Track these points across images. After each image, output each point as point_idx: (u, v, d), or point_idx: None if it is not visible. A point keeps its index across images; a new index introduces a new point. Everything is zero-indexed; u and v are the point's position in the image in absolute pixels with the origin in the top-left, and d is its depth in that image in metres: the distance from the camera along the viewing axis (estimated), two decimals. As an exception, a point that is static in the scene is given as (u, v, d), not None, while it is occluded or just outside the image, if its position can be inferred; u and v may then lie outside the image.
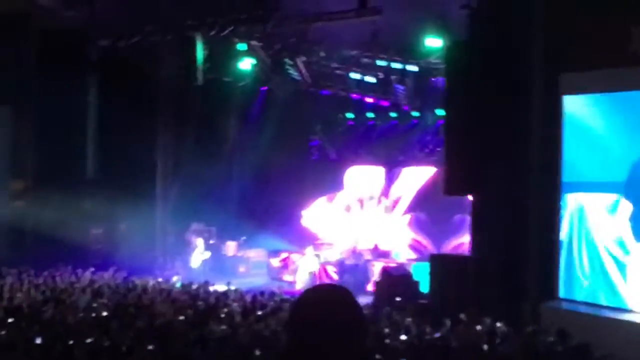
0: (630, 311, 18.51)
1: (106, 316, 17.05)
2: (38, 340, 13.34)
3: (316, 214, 34.44)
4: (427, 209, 31.56)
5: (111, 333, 14.39)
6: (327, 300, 3.24)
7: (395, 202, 33.04)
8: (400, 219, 32.64)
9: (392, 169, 33.44)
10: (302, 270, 29.49)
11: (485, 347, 14.67)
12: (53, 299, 19.92)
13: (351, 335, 3.15)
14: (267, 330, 15.43)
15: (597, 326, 17.58)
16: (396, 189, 33.16)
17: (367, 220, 33.42)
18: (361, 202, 33.86)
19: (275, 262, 31.74)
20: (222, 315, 18.04)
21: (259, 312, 18.74)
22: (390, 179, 33.44)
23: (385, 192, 33.39)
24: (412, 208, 32.54)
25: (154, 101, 31.27)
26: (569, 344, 14.26)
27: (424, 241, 31.38)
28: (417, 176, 32.50)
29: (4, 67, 30.13)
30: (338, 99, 33.66)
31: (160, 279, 26.36)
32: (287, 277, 30.59)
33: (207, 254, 31.09)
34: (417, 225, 32.14)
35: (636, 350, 15.69)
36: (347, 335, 3.14)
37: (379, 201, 33.48)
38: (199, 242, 31.09)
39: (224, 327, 15.80)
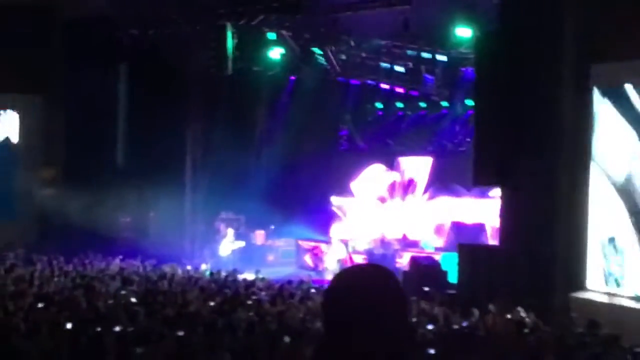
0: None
1: (135, 303, 17.12)
2: (68, 326, 13.43)
3: (348, 201, 34.32)
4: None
5: (140, 320, 14.46)
6: (364, 276, 3.12)
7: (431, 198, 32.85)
8: (427, 205, 32.43)
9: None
10: (331, 259, 29.55)
11: (514, 337, 14.65)
12: (83, 286, 20.04)
13: (392, 310, 3.02)
14: (295, 318, 15.46)
15: (626, 317, 17.53)
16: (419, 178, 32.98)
17: (395, 209, 33.31)
18: (390, 192, 33.74)
19: (304, 250, 31.81)
20: (250, 303, 18.09)
21: (288, 300, 18.78)
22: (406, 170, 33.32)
23: (428, 185, 33.14)
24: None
25: (183, 90, 31.35)
26: (599, 334, 14.22)
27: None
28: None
29: (35, 57, 30.33)
30: (367, 88, 33.59)
31: (189, 267, 26.44)
32: (315, 266, 30.65)
33: (240, 243, 31.15)
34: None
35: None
36: (388, 310, 3.01)
37: (410, 190, 33.34)
38: (229, 231, 31.16)
39: (251, 314, 15.84)
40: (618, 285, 19.61)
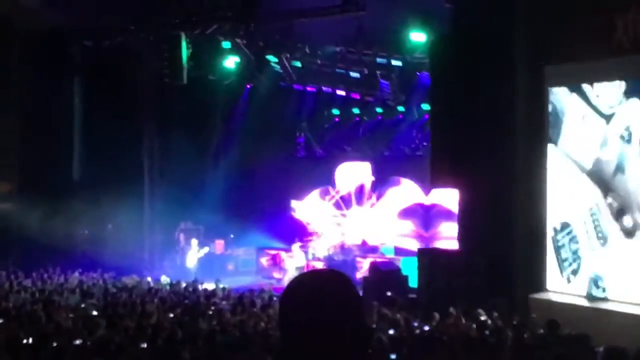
0: (613, 301, 18.63)
1: (95, 316, 17.02)
2: (27, 341, 13.32)
3: (307, 207, 34.38)
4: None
5: (100, 332, 14.38)
6: (319, 280, 3.08)
7: (379, 197, 32.98)
8: (387, 212, 32.54)
9: (378, 165, 33.36)
10: (290, 267, 29.55)
11: (475, 339, 14.70)
12: (42, 300, 19.90)
13: (348, 314, 2.97)
14: (257, 327, 15.43)
15: (585, 316, 17.66)
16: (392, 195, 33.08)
17: (355, 215, 33.39)
18: (349, 197, 33.79)
19: (264, 259, 31.80)
20: (211, 313, 18.05)
21: (249, 309, 18.75)
22: (376, 175, 33.37)
23: (372, 188, 33.31)
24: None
25: (139, 101, 31.27)
26: (559, 334, 14.30)
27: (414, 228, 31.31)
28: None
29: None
30: (323, 95, 33.66)
31: (148, 278, 26.35)
32: (275, 274, 30.65)
33: (204, 250, 31.04)
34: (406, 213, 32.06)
35: (624, 340, 15.73)
36: (344, 314, 2.96)
37: (367, 197, 33.43)
38: (193, 242, 31.05)
39: (213, 324, 15.80)
40: (575, 274, 19.78)
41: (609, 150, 18.95)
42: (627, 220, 18.59)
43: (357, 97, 32.80)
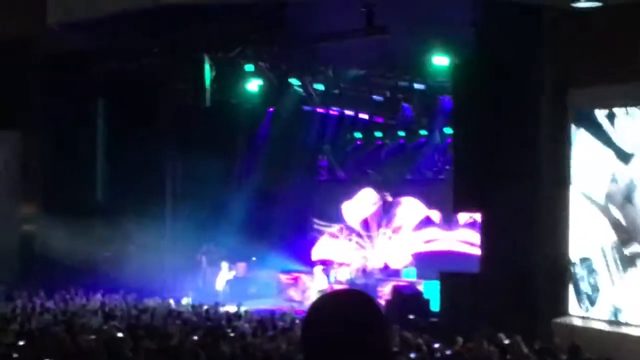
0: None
1: (118, 338, 17.03)
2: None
3: (325, 245, 34.37)
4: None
5: (123, 354, 14.39)
6: (342, 301, 3.09)
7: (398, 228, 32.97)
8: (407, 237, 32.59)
9: (396, 195, 33.33)
10: (312, 290, 29.50)
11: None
12: (64, 322, 19.93)
13: (372, 334, 2.97)
14: (279, 350, 15.41)
15: (609, 342, 17.58)
16: (399, 217, 33.08)
17: (375, 239, 33.37)
18: (366, 224, 33.75)
19: (286, 282, 31.76)
20: (232, 335, 18.04)
21: (270, 332, 18.73)
22: (393, 205, 33.33)
23: (389, 218, 33.33)
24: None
25: (162, 123, 31.34)
26: (582, 358, 14.24)
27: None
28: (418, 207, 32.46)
29: (13, 91, 30.23)
30: (346, 118, 33.70)
31: (170, 300, 26.36)
32: (297, 297, 30.60)
33: (233, 272, 31.11)
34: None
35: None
36: (367, 334, 2.96)
37: (381, 222, 33.40)
38: (224, 265, 31.09)
39: (235, 346, 15.79)
40: (592, 304, 19.70)
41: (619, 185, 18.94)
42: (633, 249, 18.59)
43: (380, 120, 32.81)
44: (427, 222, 32.03)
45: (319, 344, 2.98)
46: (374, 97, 30.96)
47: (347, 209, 34.17)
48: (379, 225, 33.50)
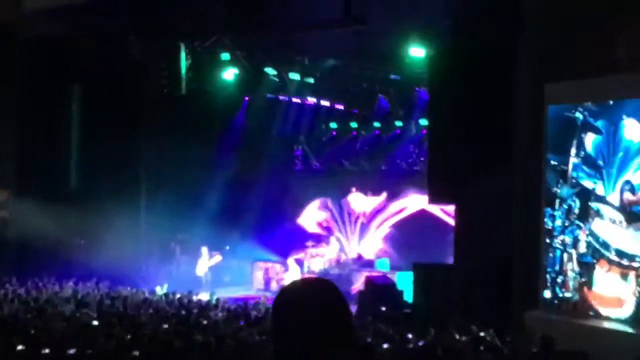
0: (609, 318, 18.67)
1: (90, 325, 16.98)
2: (19, 347, 13.27)
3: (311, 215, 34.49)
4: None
5: (95, 342, 14.34)
6: (309, 287, 3.20)
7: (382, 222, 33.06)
8: (376, 233, 32.77)
9: (375, 179, 33.41)
10: (286, 280, 29.51)
11: (471, 355, 14.68)
12: (36, 309, 19.86)
13: (336, 321, 3.07)
14: (252, 339, 15.40)
15: (581, 334, 17.66)
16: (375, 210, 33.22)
17: (350, 232, 33.46)
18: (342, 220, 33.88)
19: (259, 271, 31.75)
20: (205, 323, 18.03)
21: (243, 321, 18.73)
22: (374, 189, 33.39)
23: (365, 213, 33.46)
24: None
25: (137, 111, 31.20)
26: (553, 350, 14.29)
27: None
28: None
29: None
30: (322, 108, 33.71)
31: (144, 289, 26.32)
32: (271, 287, 30.60)
33: (217, 259, 31.04)
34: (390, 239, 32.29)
35: (615, 357, 15.76)
36: (332, 321, 3.06)
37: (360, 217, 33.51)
38: (204, 250, 31.00)
39: (208, 335, 15.77)
40: (564, 297, 19.81)
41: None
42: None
43: (355, 111, 32.84)
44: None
45: (285, 330, 3.09)
46: (350, 87, 30.96)
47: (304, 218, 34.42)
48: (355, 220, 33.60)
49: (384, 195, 32.97)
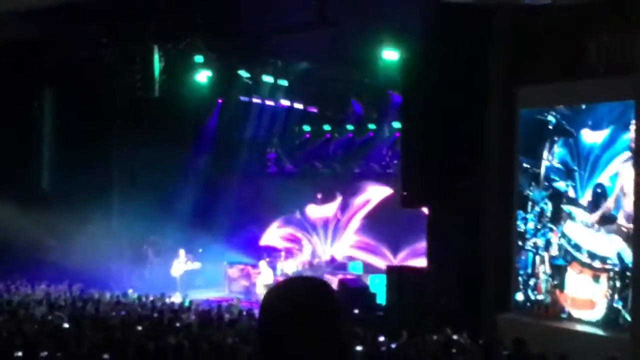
0: (581, 321, 18.80)
1: (62, 328, 16.94)
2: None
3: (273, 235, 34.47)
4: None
5: (67, 345, 14.30)
6: (299, 287, 3.08)
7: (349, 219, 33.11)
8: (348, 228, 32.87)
9: (349, 182, 33.43)
10: (258, 283, 29.51)
11: (442, 358, 14.74)
12: (8, 312, 19.78)
13: (326, 322, 2.97)
14: (226, 342, 15.40)
15: (552, 336, 17.78)
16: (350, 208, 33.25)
17: (322, 235, 33.48)
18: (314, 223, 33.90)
19: (232, 274, 31.71)
20: (178, 325, 18.01)
21: (216, 323, 18.73)
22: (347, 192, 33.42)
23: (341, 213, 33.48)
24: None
25: (109, 113, 31.12)
26: (526, 352, 14.37)
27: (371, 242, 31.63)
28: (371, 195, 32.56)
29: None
30: (295, 111, 33.73)
31: (116, 292, 26.25)
32: (243, 289, 30.58)
33: (195, 265, 30.89)
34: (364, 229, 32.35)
35: (587, 359, 15.87)
36: (322, 322, 2.97)
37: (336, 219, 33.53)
38: (181, 252, 30.83)
39: (181, 338, 15.76)
40: (536, 299, 19.93)
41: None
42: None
43: (329, 114, 32.89)
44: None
45: (274, 331, 2.98)
46: (323, 90, 31.00)
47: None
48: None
49: (338, 200, 33.11)
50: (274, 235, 34.36)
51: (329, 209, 33.35)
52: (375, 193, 31.85)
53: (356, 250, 32.18)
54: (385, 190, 31.04)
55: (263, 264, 30.27)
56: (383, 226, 30.65)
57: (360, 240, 32.28)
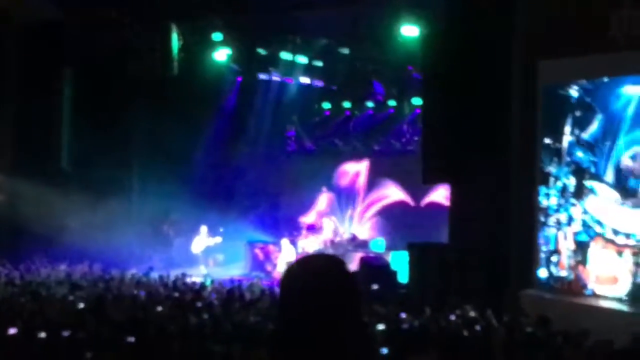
0: (604, 297, 18.68)
1: (84, 308, 16.92)
2: (12, 331, 13.19)
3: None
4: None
5: (89, 325, 14.28)
6: (317, 265, 3.12)
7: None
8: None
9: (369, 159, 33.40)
10: (279, 261, 29.47)
11: (466, 334, 14.64)
12: (30, 292, 19.79)
13: (344, 302, 3.02)
14: (248, 321, 15.36)
15: (575, 312, 17.65)
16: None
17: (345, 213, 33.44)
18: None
19: (253, 252, 31.68)
20: (200, 305, 17.97)
21: (238, 303, 18.68)
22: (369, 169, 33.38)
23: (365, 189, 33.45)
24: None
25: (128, 93, 31.08)
26: (550, 329, 14.26)
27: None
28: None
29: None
30: (314, 88, 33.59)
31: (137, 271, 26.25)
32: (265, 268, 30.55)
33: (216, 239, 30.80)
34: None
35: (611, 335, 15.73)
36: (339, 302, 3.01)
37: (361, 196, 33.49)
38: (203, 229, 30.75)
39: (203, 317, 15.72)
40: (560, 276, 19.81)
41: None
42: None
43: (348, 91, 32.78)
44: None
45: (292, 309, 3.03)
46: (343, 67, 30.85)
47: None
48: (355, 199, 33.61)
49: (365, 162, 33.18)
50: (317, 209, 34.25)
51: (356, 189, 33.29)
52: (393, 193, 31.87)
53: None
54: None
55: (285, 241, 30.21)
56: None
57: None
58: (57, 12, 29.51)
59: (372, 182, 33.03)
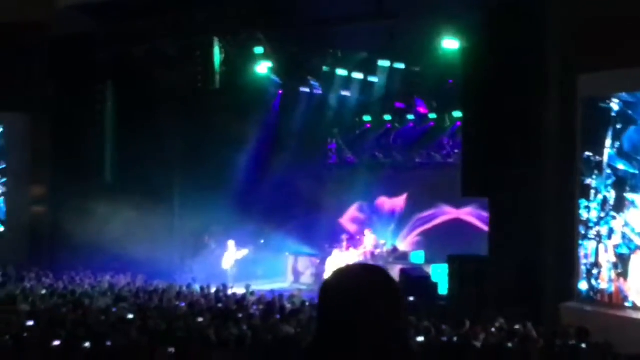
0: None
1: (127, 319, 17.11)
2: (56, 343, 13.40)
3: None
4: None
5: (132, 335, 14.45)
6: (360, 274, 3.09)
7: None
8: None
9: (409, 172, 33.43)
10: (323, 273, 29.52)
11: (505, 346, 14.67)
12: (73, 302, 20.03)
13: (387, 310, 2.97)
14: (288, 333, 15.46)
15: (616, 325, 17.60)
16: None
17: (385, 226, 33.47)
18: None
19: (295, 265, 31.77)
20: (240, 316, 18.10)
21: (279, 315, 18.79)
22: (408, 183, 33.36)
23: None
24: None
25: (170, 106, 31.29)
26: (589, 342, 14.26)
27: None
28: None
29: (23, 74, 30.36)
30: (354, 101, 33.64)
31: (179, 283, 26.42)
32: (305, 280, 30.62)
33: (243, 252, 30.93)
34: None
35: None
36: (383, 310, 2.97)
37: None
38: (230, 243, 30.93)
39: (243, 328, 15.84)
40: (599, 288, 19.76)
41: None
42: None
43: (389, 104, 32.81)
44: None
45: (331, 317, 3.00)
46: (383, 80, 30.91)
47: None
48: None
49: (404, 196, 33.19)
50: (350, 215, 34.30)
51: (398, 202, 33.31)
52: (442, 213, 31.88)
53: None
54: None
55: (336, 252, 30.28)
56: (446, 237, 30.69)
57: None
58: (97, 25, 29.81)
59: (418, 200, 32.86)
